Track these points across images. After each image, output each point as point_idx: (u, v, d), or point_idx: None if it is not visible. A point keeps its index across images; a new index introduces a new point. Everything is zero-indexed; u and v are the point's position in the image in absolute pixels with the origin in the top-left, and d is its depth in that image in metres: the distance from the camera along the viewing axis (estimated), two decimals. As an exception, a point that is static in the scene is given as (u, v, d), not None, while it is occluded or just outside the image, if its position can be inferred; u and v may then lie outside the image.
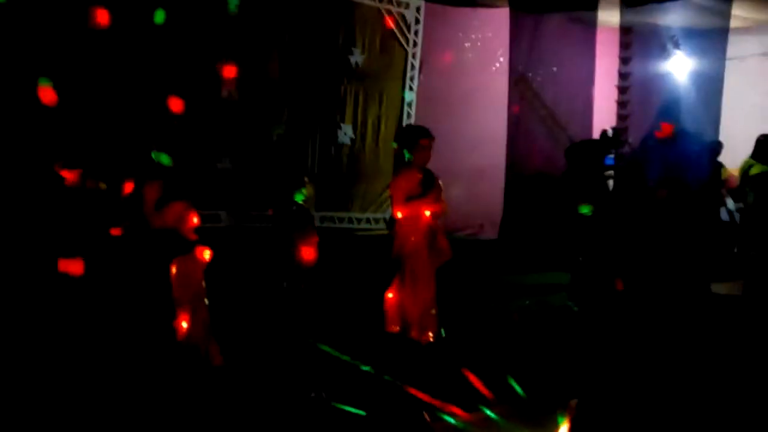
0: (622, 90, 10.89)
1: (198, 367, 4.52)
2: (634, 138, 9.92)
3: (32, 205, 5.02)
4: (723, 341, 5.69)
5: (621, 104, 10.90)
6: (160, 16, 6.79)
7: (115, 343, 4.47)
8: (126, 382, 4.25)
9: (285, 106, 8.90)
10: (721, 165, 8.89)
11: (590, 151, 7.14)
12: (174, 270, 4.51)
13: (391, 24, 9.70)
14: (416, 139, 5.60)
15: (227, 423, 4.07)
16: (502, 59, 10.43)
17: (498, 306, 6.89)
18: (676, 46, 9.85)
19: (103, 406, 4.04)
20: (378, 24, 9.67)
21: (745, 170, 8.29)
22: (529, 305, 6.93)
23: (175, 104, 5.40)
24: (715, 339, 5.77)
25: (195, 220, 4.68)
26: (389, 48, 9.81)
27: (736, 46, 9.31)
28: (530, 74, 10.06)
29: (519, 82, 9.97)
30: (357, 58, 9.49)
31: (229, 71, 7.97)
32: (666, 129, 7.69)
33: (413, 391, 4.29)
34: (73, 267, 4.23)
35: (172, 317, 4.36)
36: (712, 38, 9.06)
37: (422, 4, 9.96)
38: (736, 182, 8.70)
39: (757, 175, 8.05)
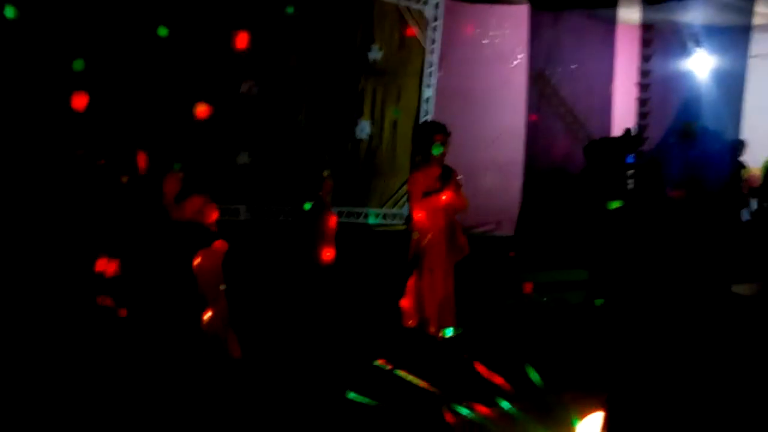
0: (642, 87, 10.78)
1: (218, 359, 4.55)
2: (653, 136, 9.84)
3: (63, 200, 5.08)
4: (743, 342, 5.64)
5: (641, 102, 10.80)
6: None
7: (139, 335, 4.51)
8: (148, 374, 4.28)
9: (303, 102, 8.93)
10: (742, 164, 8.81)
11: (612, 149, 7.10)
12: (197, 262, 4.53)
13: (413, 32, 9.71)
14: (431, 135, 5.61)
15: (246, 415, 4.09)
16: (520, 56, 10.37)
17: (515, 301, 6.88)
18: (698, 43, 9.76)
19: (124, 398, 4.08)
20: (396, 21, 9.67)
21: (767, 169, 8.20)
22: (546, 302, 6.90)
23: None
24: (736, 340, 5.72)
25: (214, 213, 4.71)
26: (407, 44, 9.80)
27: (759, 44, 9.20)
28: (549, 71, 10.01)
29: (538, 79, 9.93)
30: (375, 54, 9.49)
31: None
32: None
33: (429, 386, 4.29)
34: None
35: (200, 308, 4.38)
36: (734, 35, 8.97)
37: (441, 1, 9.94)
38: (758, 181, 8.62)
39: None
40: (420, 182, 5.56)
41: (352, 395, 4.18)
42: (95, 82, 6.97)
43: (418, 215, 5.55)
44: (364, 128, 9.51)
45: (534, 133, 9.82)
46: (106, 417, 3.96)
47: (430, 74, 10.01)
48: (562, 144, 9.89)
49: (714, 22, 9.39)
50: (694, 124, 8.75)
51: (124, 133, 6.77)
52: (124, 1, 7.11)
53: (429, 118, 9.82)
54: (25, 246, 5.36)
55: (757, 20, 8.98)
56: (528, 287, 6.82)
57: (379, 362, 4.81)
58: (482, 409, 4.02)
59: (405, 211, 9.47)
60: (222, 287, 4.71)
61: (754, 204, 9.10)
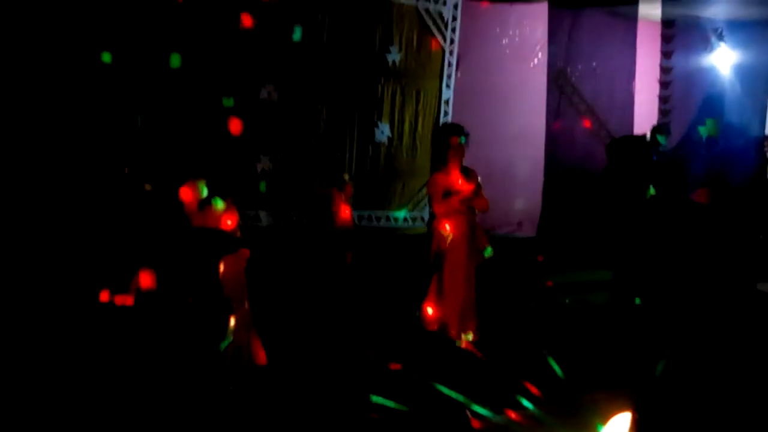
0: (664, 85, 10.68)
1: (242, 366, 4.58)
2: (675, 134, 9.73)
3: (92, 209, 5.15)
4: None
5: (663, 99, 10.70)
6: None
7: (164, 340, 4.55)
8: (173, 379, 4.33)
9: (323, 106, 8.96)
10: (768, 160, 8.68)
11: (638, 148, 7.02)
12: (222, 268, 4.56)
13: (437, 45, 9.71)
14: (447, 137, 5.61)
15: (270, 420, 4.12)
16: (540, 55, 10.33)
17: (537, 304, 6.85)
18: (720, 38, 9.64)
19: (149, 402, 4.13)
20: (415, 22, 9.67)
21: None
22: (569, 303, 6.87)
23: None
24: (763, 339, 5.64)
25: (235, 220, 4.73)
26: (426, 46, 9.80)
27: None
28: (569, 69, 9.96)
29: (558, 77, 9.88)
30: (394, 56, 9.51)
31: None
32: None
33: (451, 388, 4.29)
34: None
35: (228, 314, 4.40)
36: (757, 30, 8.86)
37: (459, 1, 9.92)
38: (783, 178, 8.48)
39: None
40: (440, 184, 5.55)
41: (376, 399, 4.19)
42: (115, 90, 7.10)
43: (440, 217, 5.54)
44: (384, 131, 9.53)
45: (554, 132, 9.77)
46: (126, 421, 4.01)
47: (450, 75, 10.00)
48: (583, 143, 9.82)
49: (737, 16, 9.27)
50: (718, 120, 8.64)
51: (148, 141, 6.86)
52: (146, 10, 7.23)
53: (448, 119, 9.82)
54: (46, 251, 5.47)
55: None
56: (549, 284, 6.87)
57: (392, 367, 4.82)
58: (507, 413, 4.02)
59: (426, 213, 9.47)
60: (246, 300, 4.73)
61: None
